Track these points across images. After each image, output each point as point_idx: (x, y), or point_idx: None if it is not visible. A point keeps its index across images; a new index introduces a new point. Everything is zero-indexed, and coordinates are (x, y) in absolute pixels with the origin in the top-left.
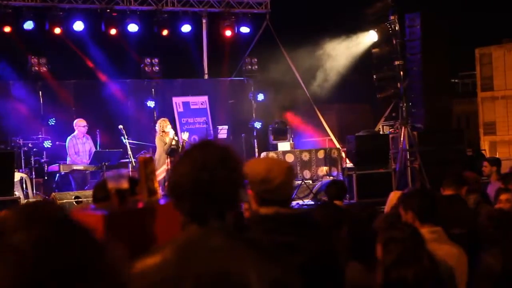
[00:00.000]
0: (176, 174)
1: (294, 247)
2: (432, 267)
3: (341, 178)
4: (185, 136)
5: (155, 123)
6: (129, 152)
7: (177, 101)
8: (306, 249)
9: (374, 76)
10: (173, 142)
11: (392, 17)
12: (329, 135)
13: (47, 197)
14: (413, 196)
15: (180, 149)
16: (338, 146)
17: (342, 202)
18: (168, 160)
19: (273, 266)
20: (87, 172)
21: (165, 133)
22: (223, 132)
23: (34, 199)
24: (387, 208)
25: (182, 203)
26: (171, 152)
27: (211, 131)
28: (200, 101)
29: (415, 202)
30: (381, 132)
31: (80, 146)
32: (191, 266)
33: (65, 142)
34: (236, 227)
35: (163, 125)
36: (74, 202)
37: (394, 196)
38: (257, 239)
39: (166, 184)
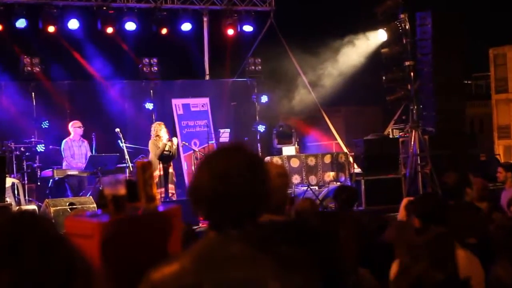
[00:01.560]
0: (196, 178)
1: (298, 256)
2: (455, 271)
3: (349, 184)
4: (174, 141)
5: None
6: (127, 157)
7: (177, 103)
8: (305, 258)
9: (384, 78)
10: (167, 148)
11: (402, 16)
12: (336, 139)
13: (40, 204)
14: (418, 201)
15: (172, 156)
16: (345, 150)
17: (352, 209)
18: (161, 165)
19: (294, 274)
20: (82, 177)
21: (159, 137)
22: (225, 135)
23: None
24: (400, 215)
25: (199, 209)
26: (164, 158)
27: (213, 135)
28: (201, 103)
29: (419, 207)
30: (390, 136)
31: (75, 149)
32: (210, 274)
33: (60, 146)
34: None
35: (157, 129)
36: (68, 209)
37: (405, 203)
38: (277, 247)
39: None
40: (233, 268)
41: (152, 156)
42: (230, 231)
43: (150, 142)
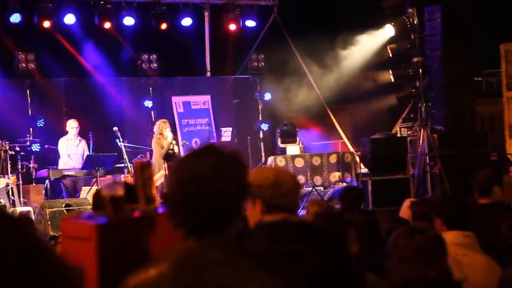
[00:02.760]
0: (168, 184)
1: (303, 257)
2: (442, 277)
3: (355, 185)
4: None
5: (153, 124)
6: (125, 156)
7: (177, 101)
8: (316, 258)
9: (391, 74)
10: (170, 147)
11: (410, 10)
12: (342, 138)
13: (35, 205)
14: (441, 202)
15: (175, 154)
16: (351, 149)
17: (359, 210)
18: (166, 165)
19: (276, 279)
20: (79, 177)
21: (163, 136)
22: (226, 134)
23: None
24: (403, 214)
25: (173, 216)
26: (168, 157)
27: (214, 134)
28: (202, 100)
29: (443, 209)
30: (398, 135)
31: (72, 148)
32: (188, 280)
33: (56, 145)
34: (239, 237)
35: (162, 127)
36: (64, 211)
37: (408, 204)
38: (259, 251)
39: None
40: (212, 273)
41: (157, 155)
42: (209, 235)
43: (154, 141)
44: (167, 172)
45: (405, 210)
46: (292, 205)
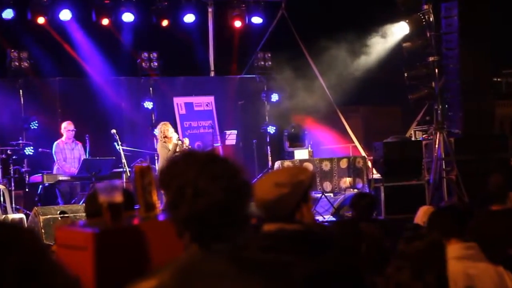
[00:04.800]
0: (170, 196)
1: (288, 266)
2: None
3: (367, 191)
4: (186, 141)
5: (153, 126)
6: (123, 161)
7: (179, 102)
8: (303, 268)
9: (405, 75)
10: (177, 148)
11: (426, 7)
12: (353, 142)
13: (28, 212)
14: (437, 214)
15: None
16: (363, 154)
17: (371, 218)
18: None
19: None
20: (75, 183)
21: (168, 139)
22: (231, 137)
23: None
24: (418, 220)
25: (176, 225)
26: None
27: (218, 137)
28: (205, 102)
29: (439, 220)
30: (412, 139)
31: (68, 152)
32: None
33: (51, 148)
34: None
35: (164, 130)
36: (59, 218)
37: (423, 212)
38: (266, 261)
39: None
40: (217, 286)
41: (163, 160)
42: (214, 246)
43: (159, 146)
44: None
45: (420, 217)
46: (282, 212)
